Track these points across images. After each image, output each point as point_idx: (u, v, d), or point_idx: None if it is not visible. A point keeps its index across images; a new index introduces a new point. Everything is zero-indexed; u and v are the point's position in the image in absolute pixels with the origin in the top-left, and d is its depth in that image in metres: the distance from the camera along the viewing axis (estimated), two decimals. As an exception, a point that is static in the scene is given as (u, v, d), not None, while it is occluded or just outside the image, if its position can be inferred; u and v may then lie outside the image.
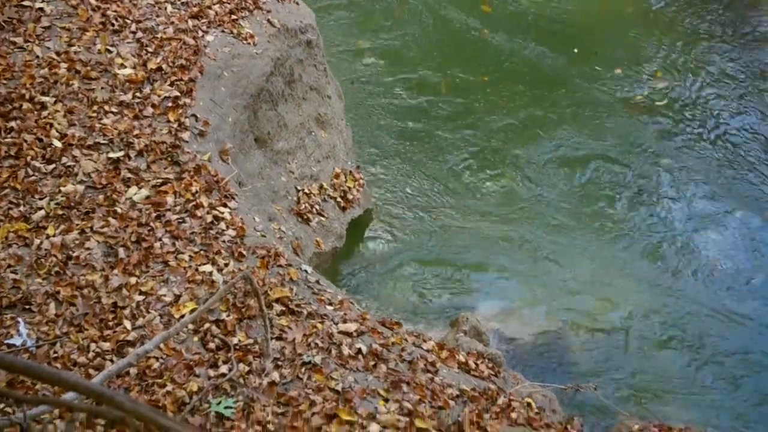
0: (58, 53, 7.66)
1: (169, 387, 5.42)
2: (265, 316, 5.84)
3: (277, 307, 6.14)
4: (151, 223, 6.54)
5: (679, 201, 11.64)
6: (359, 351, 5.99)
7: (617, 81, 13.64)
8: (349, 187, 9.89)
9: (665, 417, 8.30)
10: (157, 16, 8.38)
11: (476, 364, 6.70)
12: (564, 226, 11.15)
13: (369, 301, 9.50)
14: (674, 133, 12.76)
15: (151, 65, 7.81)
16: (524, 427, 5.93)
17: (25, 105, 7.14)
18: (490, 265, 10.48)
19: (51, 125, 7.03)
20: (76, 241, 6.27)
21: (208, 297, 6.00)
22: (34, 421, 4.93)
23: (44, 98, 7.25)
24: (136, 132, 7.19)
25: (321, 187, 9.52)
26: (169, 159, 7.12)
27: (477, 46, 14.03)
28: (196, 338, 5.81)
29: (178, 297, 6.05)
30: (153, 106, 7.49)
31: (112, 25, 8.11)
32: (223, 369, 5.59)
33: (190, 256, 6.38)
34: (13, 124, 6.96)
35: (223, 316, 5.97)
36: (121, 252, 6.26)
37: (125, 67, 7.73)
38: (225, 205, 6.97)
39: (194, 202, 6.81)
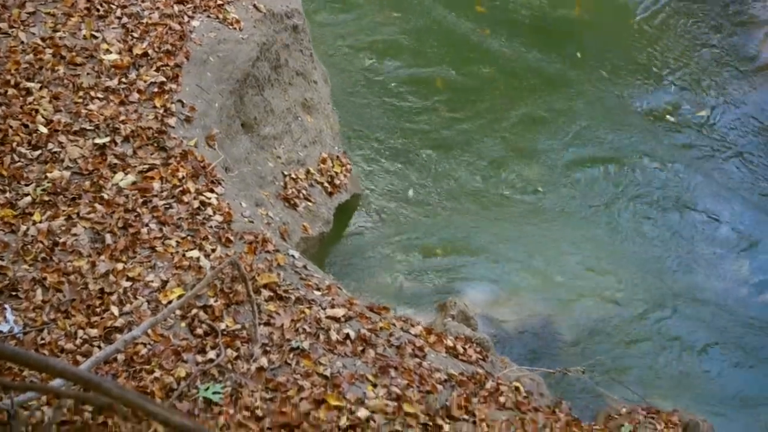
0: (43, 39, 7.61)
1: (157, 373, 5.42)
2: (252, 302, 5.84)
3: (265, 293, 6.14)
4: (138, 209, 6.52)
5: (669, 189, 11.65)
6: (347, 336, 6.00)
7: (616, 81, 13.56)
8: (336, 172, 9.87)
9: (653, 400, 8.34)
10: (143, 1, 8.33)
11: (464, 349, 6.72)
12: (552, 213, 11.16)
13: (356, 286, 9.48)
14: (669, 131, 12.74)
15: (137, 51, 7.76)
16: (512, 410, 5.95)
17: (11, 91, 7.11)
18: (478, 250, 10.46)
19: (36, 111, 7.00)
20: (63, 227, 6.25)
21: (196, 283, 5.99)
22: (22, 408, 4.93)
23: (29, 84, 7.21)
24: (122, 118, 7.16)
25: (308, 172, 9.50)
26: (156, 145, 7.09)
27: (473, 45, 13.95)
28: (183, 324, 5.81)
29: (165, 283, 6.04)
30: (139, 91, 7.46)
31: (98, 10, 8.06)
32: (211, 354, 5.59)
33: (177, 241, 6.37)
34: (-2, 110, 6.93)
35: (211, 301, 5.97)
36: (108, 238, 6.24)
37: (111, 52, 7.69)
38: (212, 191, 6.95)
39: (181, 188, 6.80)
